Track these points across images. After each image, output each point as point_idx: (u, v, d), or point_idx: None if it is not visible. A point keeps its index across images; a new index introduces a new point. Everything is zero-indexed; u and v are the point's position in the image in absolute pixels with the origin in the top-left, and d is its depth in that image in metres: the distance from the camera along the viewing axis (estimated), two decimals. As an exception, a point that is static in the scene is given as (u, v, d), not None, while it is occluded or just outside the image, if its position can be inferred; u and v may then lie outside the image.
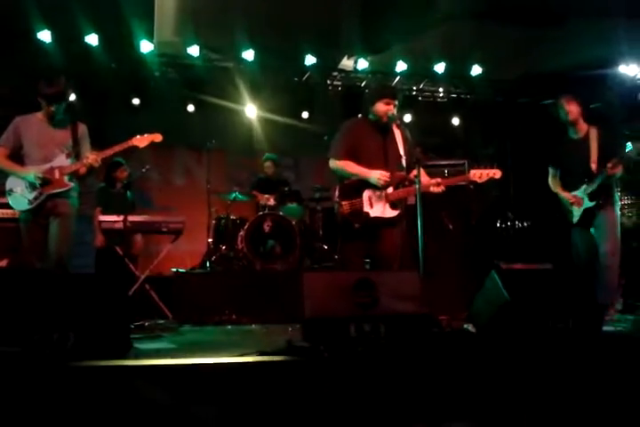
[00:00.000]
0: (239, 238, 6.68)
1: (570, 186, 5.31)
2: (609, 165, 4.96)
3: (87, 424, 2.56)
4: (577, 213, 5.25)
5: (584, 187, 5.17)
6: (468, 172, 4.66)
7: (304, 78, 8.76)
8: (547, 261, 6.56)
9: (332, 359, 2.85)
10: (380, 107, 4.61)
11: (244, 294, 6.06)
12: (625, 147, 5.06)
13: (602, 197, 5.11)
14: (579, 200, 5.20)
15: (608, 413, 3.03)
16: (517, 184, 9.60)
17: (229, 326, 5.59)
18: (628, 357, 3.34)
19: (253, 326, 5.60)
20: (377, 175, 4.48)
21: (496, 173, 4.54)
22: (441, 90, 9.19)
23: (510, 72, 9.05)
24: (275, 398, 2.65)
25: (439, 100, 9.27)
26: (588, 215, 5.19)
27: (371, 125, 4.71)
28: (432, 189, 4.52)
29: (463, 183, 4.89)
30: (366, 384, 2.78)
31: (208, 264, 6.75)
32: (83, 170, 4.71)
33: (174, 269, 6.57)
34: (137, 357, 3.24)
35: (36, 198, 4.63)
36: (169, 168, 8.86)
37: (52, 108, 4.70)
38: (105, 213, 6.39)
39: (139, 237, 6.72)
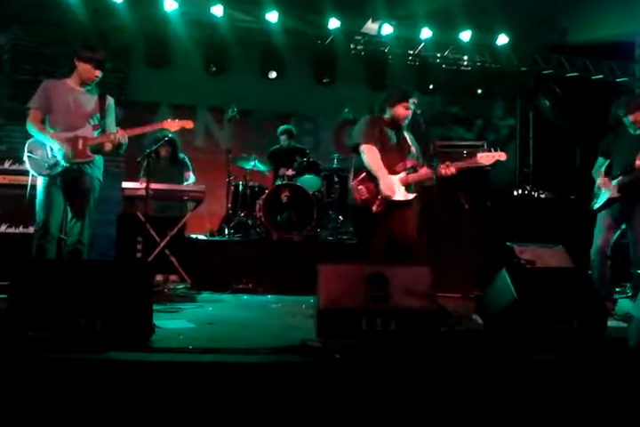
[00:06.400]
0: (257, 206, 6.81)
1: (611, 174, 5.35)
2: None
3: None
4: (600, 199, 5.31)
5: (620, 178, 5.21)
6: (476, 155, 4.78)
7: (327, 42, 8.68)
8: (560, 239, 6.71)
9: (343, 362, 3.01)
10: (400, 110, 4.76)
11: (261, 264, 6.27)
12: None
13: (632, 193, 5.14)
14: (607, 184, 5.25)
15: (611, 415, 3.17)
16: (537, 156, 9.62)
17: (245, 297, 5.82)
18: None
19: (269, 296, 5.83)
20: (387, 184, 4.57)
21: (501, 156, 4.69)
22: (465, 58, 9.08)
23: (536, 43, 8.93)
24: (285, 398, 2.83)
25: (463, 68, 9.18)
26: (610, 204, 5.25)
27: (387, 122, 4.84)
28: (442, 172, 4.64)
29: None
30: (376, 385, 2.95)
31: (226, 231, 6.90)
32: (108, 146, 4.68)
33: (194, 236, 6.75)
34: (160, 341, 3.45)
35: (55, 164, 4.54)
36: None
37: (97, 74, 4.64)
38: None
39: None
